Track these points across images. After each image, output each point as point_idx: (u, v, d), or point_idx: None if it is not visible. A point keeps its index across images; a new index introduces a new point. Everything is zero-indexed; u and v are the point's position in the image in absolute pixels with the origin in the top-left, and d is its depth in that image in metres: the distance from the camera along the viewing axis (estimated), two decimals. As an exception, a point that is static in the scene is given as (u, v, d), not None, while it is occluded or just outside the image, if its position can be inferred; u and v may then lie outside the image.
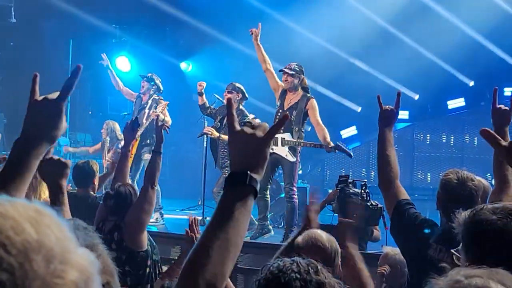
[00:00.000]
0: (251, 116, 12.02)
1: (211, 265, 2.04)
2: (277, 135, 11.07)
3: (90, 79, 18.88)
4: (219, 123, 12.01)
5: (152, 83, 13.57)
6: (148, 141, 12.99)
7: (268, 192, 11.53)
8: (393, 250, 6.97)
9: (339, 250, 4.28)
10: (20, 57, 17.84)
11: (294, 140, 11.20)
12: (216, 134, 11.86)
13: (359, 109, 20.76)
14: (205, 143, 12.67)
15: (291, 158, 11.28)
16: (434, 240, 4.70)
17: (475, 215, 2.55)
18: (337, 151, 11.04)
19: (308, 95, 11.44)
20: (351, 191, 8.47)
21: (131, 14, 18.90)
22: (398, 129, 21.07)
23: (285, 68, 11.49)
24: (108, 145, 14.45)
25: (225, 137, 11.69)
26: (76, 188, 8.06)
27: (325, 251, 4.19)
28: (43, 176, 3.98)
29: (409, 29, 19.31)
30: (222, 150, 11.89)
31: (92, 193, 7.88)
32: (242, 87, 12.08)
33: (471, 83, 21.06)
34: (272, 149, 11.24)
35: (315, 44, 19.10)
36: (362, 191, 8.62)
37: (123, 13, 18.78)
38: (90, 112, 19.90)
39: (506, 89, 20.84)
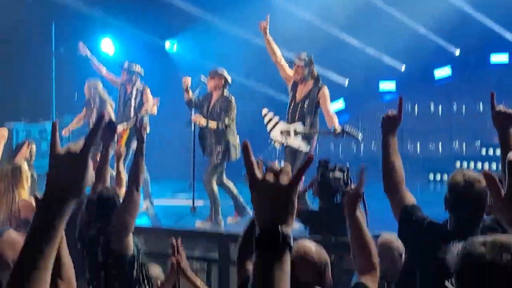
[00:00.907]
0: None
1: None
2: (288, 126, 11.10)
3: (75, 61, 18.73)
4: (206, 111, 11.91)
5: (132, 73, 13.46)
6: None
7: None
8: (391, 237, 6.96)
9: (329, 261, 4.23)
10: (0, 43, 17.68)
11: (304, 130, 11.30)
12: (204, 121, 11.75)
13: (346, 82, 20.69)
14: (192, 126, 12.55)
15: (304, 148, 11.32)
16: (443, 241, 4.67)
17: (466, 247, 2.51)
18: (344, 136, 11.12)
19: (319, 84, 11.46)
20: (331, 176, 8.43)
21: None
22: (386, 102, 21.03)
23: (296, 58, 11.49)
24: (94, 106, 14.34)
25: (213, 124, 11.63)
26: None
27: (315, 264, 4.13)
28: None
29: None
30: (210, 138, 11.82)
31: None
32: (224, 72, 11.94)
33: (457, 52, 21.02)
34: (286, 141, 11.29)
35: (299, 18, 19.01)
36: (345, 176, 8.57)
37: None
38: (76, 95, 19.75)
39: (493, 56, 20.89)
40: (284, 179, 2.08)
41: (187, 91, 12.14)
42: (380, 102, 21.01)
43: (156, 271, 7.10)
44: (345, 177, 8.48)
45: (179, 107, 14.03)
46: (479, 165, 17.06)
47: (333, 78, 20.21)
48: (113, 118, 14.09)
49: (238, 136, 11.90)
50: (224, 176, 11.73)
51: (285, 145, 11.53)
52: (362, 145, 20.60)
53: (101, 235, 6.44)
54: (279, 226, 2.04)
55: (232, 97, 11.87)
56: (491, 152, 17.78)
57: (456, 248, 2.56)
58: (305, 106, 11.35)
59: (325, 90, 11.47)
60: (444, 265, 3.59)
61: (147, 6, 19.50)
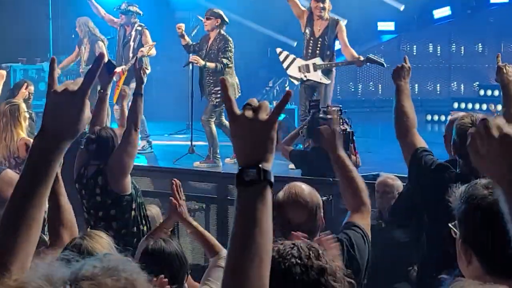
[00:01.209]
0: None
1: (250, 284, 1.96)
2: (307, 62, 11.14)
3: (71, 1, 18.60)
4: (204, 52, 11.87)
5: (130, 13, 13.36)
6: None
7: None
8: (389, 176, 7.04)
9: (321, 203, 4.22)
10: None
11: (325, 63, 11.42)
12: (202, 62, 11.68)
13: (344, 22, 20.51)
14: (191, 67, 12.51)
15: (325, 81, 11.46)
16: (452, 182, 4.66)
17: (469, 190, 2.50)
18: (368, 63, 11.36)
19: (336, 18, 11.57)
20: (322, 116, 8.47)
21: None
22: (384, 41, 20.96)
23: None
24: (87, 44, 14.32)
25: (211, 64, 11.58)
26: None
27: (306, 206, 4.12)
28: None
29: None
30: (208, 78, 11.78)
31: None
32: (220, 12, 11.86)
33: (457, -9, 20.89)
34: (306, 76, 11.35)
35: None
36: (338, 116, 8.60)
37: None
38: (73, 36, 19.64)
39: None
40: (263, 115, 2.07)
41: (182, 36, 12.10)
42: (378, 42, 20.95)
43: (154, 211, 7.15)
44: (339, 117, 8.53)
45: (176, 47, 13.97)
46: (477, 106, 17.04)
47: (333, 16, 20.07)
48: (105, 54, 14.05)
49: (236, 76, 11.87)
50: (223, 117, 11.73)
51: (304, 79, 11.57)
52: (360, 84, 20.58)
53: (100, 175, 6.47)
54: (259, 162, 2.04)
55: (229, 37, 11.80)
56: (489, 93, 17.75)
57: (459, 190, 2.56)
58: (326, 40, 11.49)
59: (342, 24, 11.82)
60: (451, 207, 3.60)
61: None
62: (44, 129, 2.28)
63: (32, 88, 10.52)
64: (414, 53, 20.80)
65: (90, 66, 2.32)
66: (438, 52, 20.89)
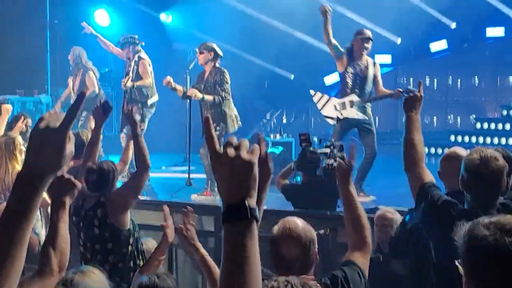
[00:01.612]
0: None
1: None
2: (342, 99, 11.33)
3: (69, 33, 18.68)
4: (202, 85, 11.89)
5: (127, 44, 13.41)
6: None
7: None
8: (387, 210, 7.04)
9: (315, 238, 4.22)
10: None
11: (360, 99, 11.69)
12: (200, 95, 11.71)
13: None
14: (188, 101, 12.54)
15: (362, 116, 11.83)
16: (459, 219, 4.64)
17: (470, 229, 2.51)
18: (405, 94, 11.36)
19: (372, 60, 12.12)
20: (312, 150, 8.53)
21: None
22: (381, 74, 21.00)
23: (360, 34, 12.09)
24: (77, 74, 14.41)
25: (209, 97, 11.60)
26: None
27: (300, 241, 4.12)
28: (49, 189, 3.82)
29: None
30: (205, 111, 11.79)
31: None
32: (213, 45, 11.90)
33: (453, 25, 20.98)
34: (342, 114, 11.49)
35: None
36: (330, 151, 8.61)
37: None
38: (70, 68, 19.71)
39: (488, 29, 20.85)
40: (244, 153, 2.09)
41: (174, 88, 12.15)
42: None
43: (150, 244, 7.12)
44: (331, 151, 8.53)
45: (174, 79, 14.00)
46: (474, 139, 17.07)
47: (329, 51, 20.17)
48: (96, 86, 14.14)
49: (234, 108, 11.88)
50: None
51: (340, 118, 11.64)
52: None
53: (100, 208, 6.45)
54: (244, 200, 2.05)
55: (225, 69, 11.84)
56: (485, 126, 17.79)
57: (463, 228, 2.56)
58: (367, 78, 11.80)
59: (378, 64, 12.25)
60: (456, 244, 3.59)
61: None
62: (26, 164, 2.29)
63: (29, 121, 10.52)
64: (411, 86, 20.84)
65: (72, 102, 2.33)
66: (435, 85, 21.01)
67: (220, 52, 11.86)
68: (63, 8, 18.01)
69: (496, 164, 4.67)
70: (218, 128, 11.46)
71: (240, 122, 11.86)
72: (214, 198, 11.32)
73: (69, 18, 17.64)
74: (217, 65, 11.79)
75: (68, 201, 3.85)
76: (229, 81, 11.70)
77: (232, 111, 11.74)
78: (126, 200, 6.49)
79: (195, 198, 11.43)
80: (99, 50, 15.68)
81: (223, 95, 11.53)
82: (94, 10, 18.47)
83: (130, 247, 6.50)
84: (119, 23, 18.71)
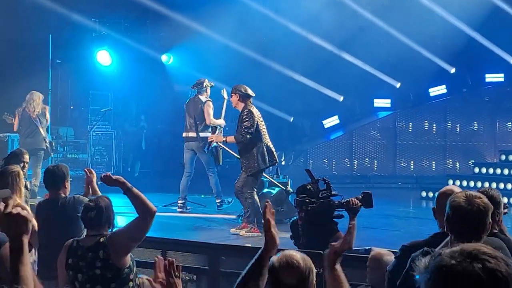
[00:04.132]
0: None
1: None
2: None
3: (71, 74, 18.83)
4: (215, 128, 12.21)
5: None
6: None
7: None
8: (381, 251, 7.02)
9: (313, 268, 4.26)
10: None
11: None
12: (222, 138, 12.33)
13: (341, 98, 20.78)
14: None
15: None
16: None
17: (435, 261, 2.50)
18: None
19: None
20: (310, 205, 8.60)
21: (110, 8, 18.84)
22: (380, 118, 21.13)
23: None
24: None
25: (231, 138, 11.98)
26: (47, 192, 7.98)
27: (299, 270, 4.17)
28: (3, 231, 3.64)
29: (389, 17, 19.35)
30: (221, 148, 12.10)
31: (62, 195, 7.80)
32: (237, 87, 12.01)
33: (453, 70, 21.12)
34: None
35: (296, 34, 19.14)
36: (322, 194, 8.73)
37: (102, 6, 18.71)
38: (71, 107, 19.85)
39: (487, 75, 20.98)
40: None
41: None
42: (374, 118, 21.12)
43: (143, 280, 7.12)
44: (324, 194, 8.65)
45: (174, 121, 14.12)
46: (472, 183, 17.08)
47: (329, 94, 20.32)
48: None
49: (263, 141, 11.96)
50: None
51: None
52: (355, 160, 20.68)
53: (101, 249, 6.35)
54: None
55: (256, 111, 11.98)
56: (484, 170, 17.82)
57: (421, 264, 2.55)
58: None
59: None
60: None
61: (144, 20, 19.60)
62: None
63: (27, 157, 10.58)
64: (410, 130, 20.98)
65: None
66: (434, 130, 21.06)
67: (249, 92, 12.01)
68: (65, 49, 18.17)
69: (481, 203, 4.70)
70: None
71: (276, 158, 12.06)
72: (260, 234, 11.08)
73: (72, 59, 17.80)
74: (249, 107, 11.92)
75: (26, 239, 3.57)
76: (250, 119, 11.81)
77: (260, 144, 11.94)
78: (128, 246, 6.43)
79: (241, 233, 11.37)
80: (100, 90, 15.78)
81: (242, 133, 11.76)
82: (97, 51, 18.62)
83: (131, 283, 6.48)
84: (121, 63, 18.87)
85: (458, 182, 17.20)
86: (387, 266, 6.92)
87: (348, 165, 20.64)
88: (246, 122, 11.59)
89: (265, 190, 13.03)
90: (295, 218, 9.06)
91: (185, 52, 19.27)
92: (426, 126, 21.07)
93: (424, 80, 20.62)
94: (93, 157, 17.99)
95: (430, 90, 21.15)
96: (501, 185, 16.39)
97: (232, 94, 11.97)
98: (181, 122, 13.93)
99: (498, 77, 21.03)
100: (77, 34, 18.61)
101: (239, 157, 11.87)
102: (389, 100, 21.23)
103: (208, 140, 12.58)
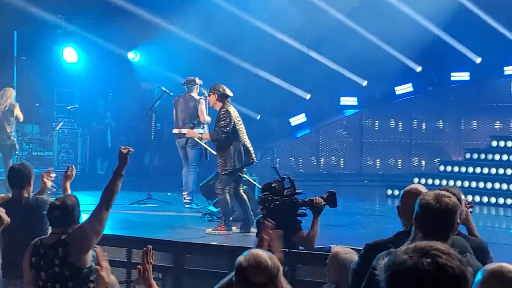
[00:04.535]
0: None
1: None
2: None
3: (36, 71, 18.70)
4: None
5: None
6: None
7: None
8: (342, 249, 7.03)
9: (281, 267, 4.28)
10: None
11: None
12: (197, 134, 12.68)
13: (308, 96, 20.82)
14: (152, 136, 12.67)
15: None
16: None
17: (390, 258, 2.55)
18: None
19: None
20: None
21: (76, 4, 18.73)
22: (346, 116, 21.21)
23: None
24: None
25: (206, 135, 12.42)
26: (11, 191, 7.91)
27: (268, 269, 4.19)
28: None
29: (356, 16, 19.42)
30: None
31: (26, 195, 7.73)
32: (216, 86, 12.09)
33: (419, 69, 21.25)
34: None
35: (263, 32, 19.15)
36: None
37: (68, 3, 18.59)
38: (37, 104, 19.70)
39: (453, 73, 21.13)
40: None
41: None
42: (341, 116, 21.20)
43: (111, 277, 7.08)
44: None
45: (139, 118, 14.10)
46: (437, 181, 17.19)
47: (296, 92, 20.35)
48: None
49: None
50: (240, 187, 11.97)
51: None
52: (322, 158, 20.74)
53: (61, 246, 6.32)
54: None
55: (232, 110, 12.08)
56: (449, 169, 17.95)
57: (383, 261, 2.60)
58: None
59: None
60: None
61: (111, 17, 19.50)
62: None
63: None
64: (376, 128, 21.07)
65: None
66: (400, 128, 21.15)
67: (227, 92, 12.08)
68: (30, 46, 18.04)
69: (450, 202, 4.71)
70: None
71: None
72: (227, 233, 11.31)
73: (37, 57, 17.67)
74: (226, 106, 12.00)
75: None
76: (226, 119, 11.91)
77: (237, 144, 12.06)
78: (88, 241, 6.37)
79: (209, 232, 11.43)
80: (66, 88, 15.69)
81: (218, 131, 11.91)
82: (63, 48, 18.50)
83: (91, 284, 6.42)
84: (87, 60, 18.77)
85: (423, 180, 17.31)
86: (348, 264, 6.95)
87: (315, 163, 20.69)
88: (222, 122, 11.71)
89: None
90: (261, 216, 9.09)
91: (152, 50, 19.21)
92: (392, 124, 21.17)
93: (390, 78, 20.71)
94: (59, 154, 17.84)
95: (396, 88, 21.26)
96: (466, 183, 16.54)
97: (210, 94, 12.07)
98: (147, 119, 13.90)
99: (464, 76, 21.18)
100: (42, 31, 18.47)
101: (216, 153, 11.97)
102: (355, 98, 21.33)
103: (185, 136, 12.68)
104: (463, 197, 5.57)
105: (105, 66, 18.80)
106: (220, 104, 11.91)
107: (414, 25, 19.68)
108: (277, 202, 8.59)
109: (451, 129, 20.98)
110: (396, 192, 17.12)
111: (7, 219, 3.78)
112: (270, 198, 8.63)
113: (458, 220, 4.77)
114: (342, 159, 20.85)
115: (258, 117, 20.14)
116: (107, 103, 19.93)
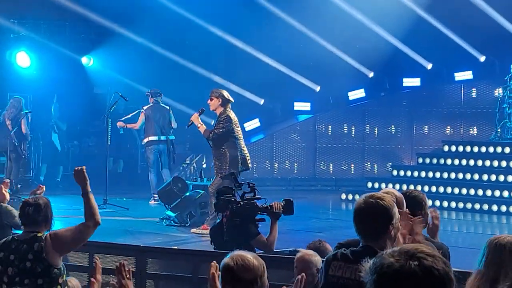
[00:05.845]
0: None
1: None
2: None
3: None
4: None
5: None
6: None
7: None
8: (307, 252, 7.09)
9: (265, 265, 4.37)
10: None
11: None
12: (199, 123, 12.28)
13: (261, 101, 20.91)
14: (109, 141, 12.65)
15: None
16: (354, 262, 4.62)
17: (376, 261, 2.61)
18: None
19: None
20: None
21: (29, 8, 18.59)
22: (300, 121, 21.32)
23: None
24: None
25: (203, 128, 12.15)
26: None
27: (254, 268, 4.27)
28: None
29: (309, 21, 19.56)
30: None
31: None
32: (219, 91, 12.32)
33: (371, 74, 21.46)
34: None
35: (215, 36, 19.21)
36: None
37: (21, 7, 18.46)
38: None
39: (405, 79, 21.37)
40: None
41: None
42: (294, 121, 21.31)
43: (74, 283, 7.09)
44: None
45: (95, 121, 14.06)
46: (390, 186, 17.36)
47: (249, 97, 20.41)
48: None
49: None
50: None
51: None
52: (276, 163, 20.83)
53: (36, 242, 6.35)
54: None
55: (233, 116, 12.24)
56: (401, 173, 18.16)
57: (367, 265, 2.66)
58: None
59: None
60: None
61: (64, 21, 19.41)
62: None
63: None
64: (329, 133, 21.22)
65: None
66: (353, 133, 21.33)
67: (229, 98, 12.27)
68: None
69: (375, 201, 4.70)
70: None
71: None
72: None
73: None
74: (227, 112, 12.18)
75: None
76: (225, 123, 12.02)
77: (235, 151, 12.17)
78: (69, 246, 6.51)
79: (194, 231, 11.62)
80: (19, 92, 15.58)
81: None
82: (16, 52, 18.35)
83: (59, 286, 6.45)
84: (40, 65, 18.63)
85: (376, 185, 17.50)
86: (315, 266, 7.02)
87: (269, 168, 20.78)
88: (221, 125, 11.85)
89: (188, 193, 13.12)
90: (213, 225, 9.21)
91: (106, 54, 19.13)
92: (345, 129, 21.34)
93: (343, 84, 20.88)
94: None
95: (349, 93, 21.44)
96: (419, 187, 16.74)
97: (213, 98, 12.16)
98: (101, 124, 13.87)
99: (415, 82, 21.43)
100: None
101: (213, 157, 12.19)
102: (309, 104, 21.46)
103: (191, 119, 12.51)
104: (430, 202, 5.64)
105: (58, 71, 18.67)
106: (222, 109, 12.03)
107: (367, 31, 19.88)
108: (239, 205, 8.68)
109: (403, 134, 21.21)
110: (350, 197, 17.31)
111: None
112: (233, 199, 8.72)
113: (397, 223, 4.75)
114: (296, 164, 20.97)
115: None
116: (60, 108, 19.77)
